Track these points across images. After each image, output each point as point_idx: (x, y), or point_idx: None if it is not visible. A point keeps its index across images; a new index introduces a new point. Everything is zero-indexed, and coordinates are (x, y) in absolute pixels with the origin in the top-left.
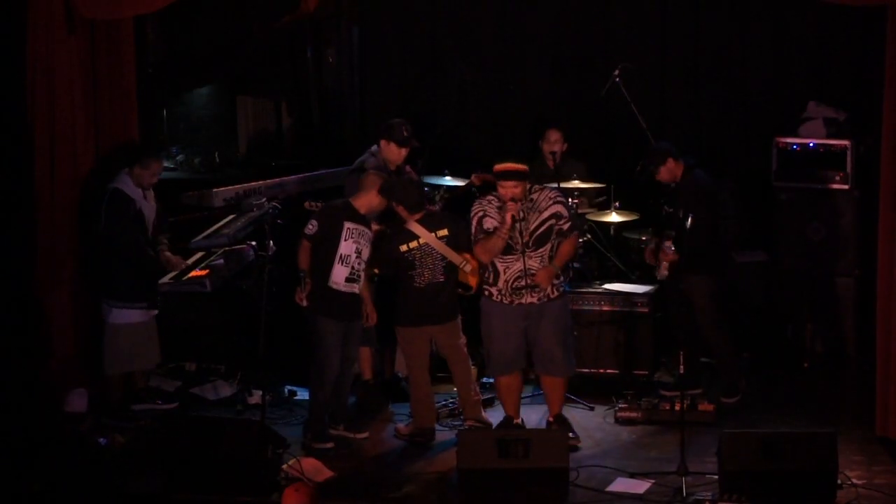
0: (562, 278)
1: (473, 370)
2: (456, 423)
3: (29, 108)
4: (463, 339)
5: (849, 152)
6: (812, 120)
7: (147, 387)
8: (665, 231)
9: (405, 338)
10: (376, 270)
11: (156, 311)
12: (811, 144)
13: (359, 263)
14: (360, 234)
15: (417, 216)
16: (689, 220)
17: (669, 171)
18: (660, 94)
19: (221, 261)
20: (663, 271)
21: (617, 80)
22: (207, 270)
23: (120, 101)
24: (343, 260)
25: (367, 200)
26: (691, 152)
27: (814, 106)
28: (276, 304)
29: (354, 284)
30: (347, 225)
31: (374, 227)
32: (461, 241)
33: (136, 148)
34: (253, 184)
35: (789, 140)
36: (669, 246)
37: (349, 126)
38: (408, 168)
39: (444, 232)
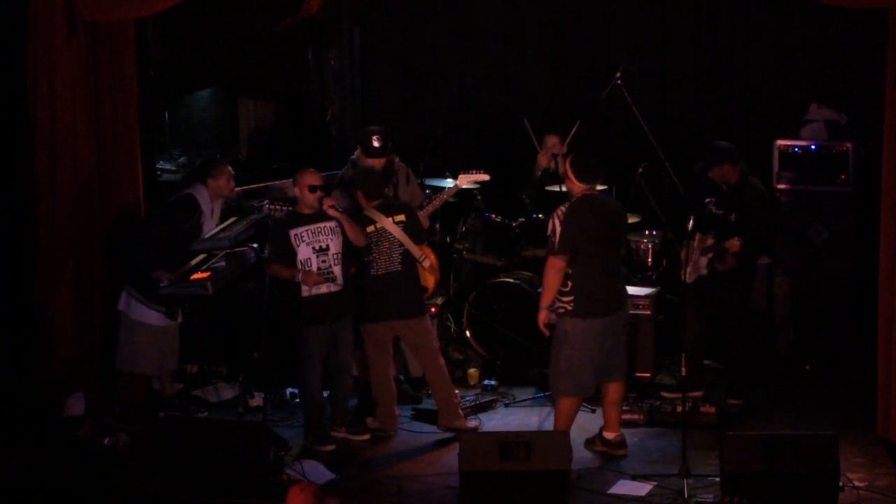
0: (559, 302)
1: (474, 373)
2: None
3: (30, 110)
4: (436, 343)
5: (850, 154)
6: (813, 122)
7: (174, 394)
8: (711, 232)
9: (369, 335)
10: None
11: (175, 322)
12: (812, 147)
13: (325, 260)
14: (313, 233)
15: (375, 203)
16: (691, 221)
17: (724, 172)
18: (661, 95)
19: (223, 263)
20: (702, 270)
21: (618, 82)
22: (209, 273)
23: (121, 103)
24: (305, 265)
25: (301, 197)
26: (692, 154)
27: (815, 108)
28: (277, 307)
29: (329, 283)
30: (293, 233)
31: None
32: (418, 231)
33: (207, 162)
34: (254, 186)
35: (790, 142)
36: (735, 242)
37: (350, 127)
38: (396, 161)
39: (401, 218)
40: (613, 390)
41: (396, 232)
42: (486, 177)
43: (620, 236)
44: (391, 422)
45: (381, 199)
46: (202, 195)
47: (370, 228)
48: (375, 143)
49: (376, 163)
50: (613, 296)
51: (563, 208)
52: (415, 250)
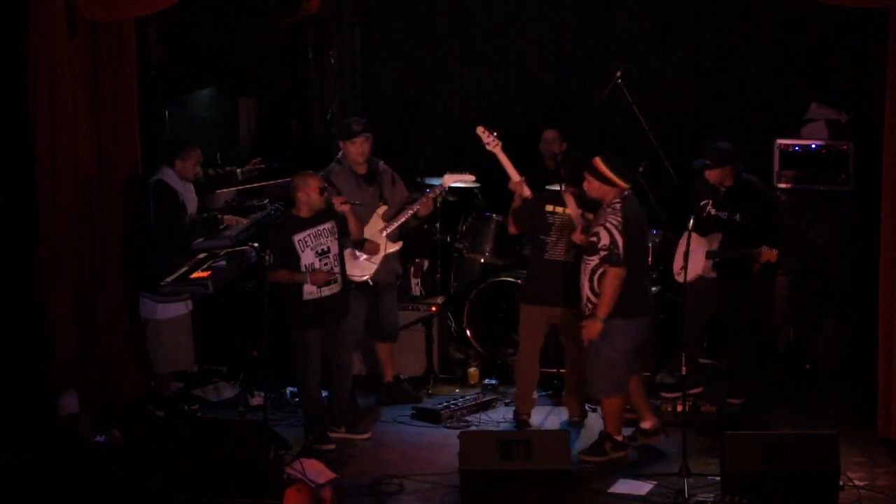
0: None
1: (474, 373)
2: (462, 423)
3: (31, 110)
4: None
5: (851, 154)
6: (814, 121)
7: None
8: (712, 234)
9: (524, 316)
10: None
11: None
12: (813, 146)
13: (326, 263)
14: (315, 236)
15: (573, 189)
16: (691, 221)
17: (725, 174)
18: (661, 95)
19: (224, 262)
20: (709, 272)
21: (619, 81)
22: (210, 272)
23: (121, 103)
24: (309, 269)
25: (306, 200)
26: (693, 154)
27: (816, 107)
28: (277, 306)
29: (332, 286)
30: (297, 238)
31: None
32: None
33: (173, 143)
34: (255, 185)
35: (791, 141)
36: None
37: None
38: (381, 164)
39: (591, 216)
40: (635, 383)
41: (580, 225)
42: (471, 177)
43: (648, 235)
44: (526, 406)
45: (579, 190)
46: (171, 177)
47: (559, 209)
48: (354, 127)
49: (363, 147)
50: (648, 295)
51: (615, 218)
52: None
